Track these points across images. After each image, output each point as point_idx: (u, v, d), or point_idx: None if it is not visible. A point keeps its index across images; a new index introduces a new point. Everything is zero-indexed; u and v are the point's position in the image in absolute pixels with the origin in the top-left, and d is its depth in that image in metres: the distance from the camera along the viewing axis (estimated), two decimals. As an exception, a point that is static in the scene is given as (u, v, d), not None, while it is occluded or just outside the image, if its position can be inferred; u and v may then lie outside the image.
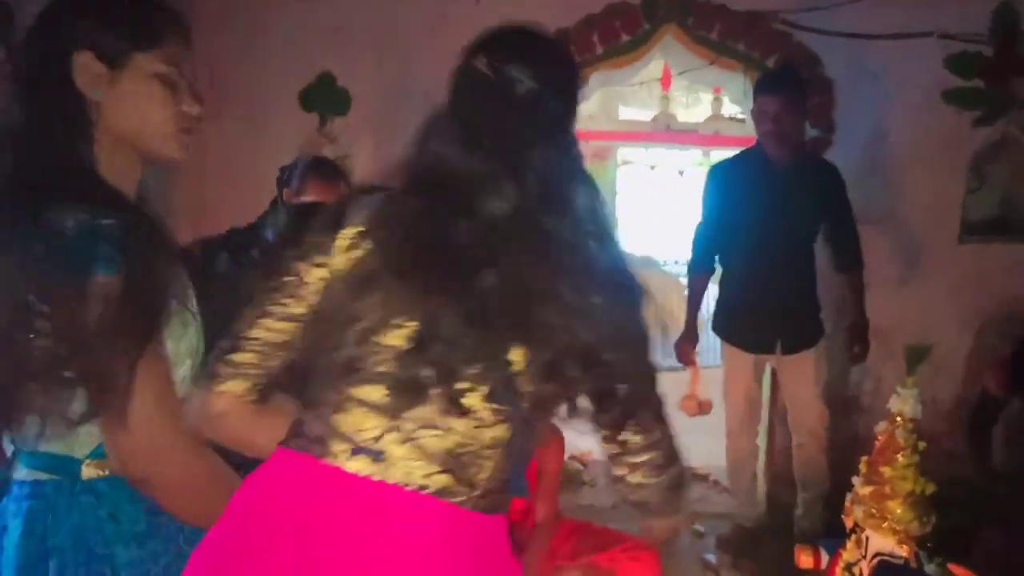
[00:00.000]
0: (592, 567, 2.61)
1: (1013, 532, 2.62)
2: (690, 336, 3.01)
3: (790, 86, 2.73)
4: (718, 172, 3.00)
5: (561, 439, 2.70)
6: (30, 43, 1.02)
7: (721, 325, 3.04)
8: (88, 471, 1.00)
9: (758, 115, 2.75)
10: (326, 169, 2.38)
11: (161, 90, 1.05)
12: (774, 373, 3.15)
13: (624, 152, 8.12)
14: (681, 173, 8.40)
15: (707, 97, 6.67)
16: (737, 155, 3.04)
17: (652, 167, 8.17)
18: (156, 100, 1.04)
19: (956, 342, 3.23)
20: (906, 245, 3.26)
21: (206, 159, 3.45)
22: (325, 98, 3.43)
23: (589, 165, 3.99)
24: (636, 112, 7.62)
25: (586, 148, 4.00)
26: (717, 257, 2.99)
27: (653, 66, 4.06)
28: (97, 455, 1.00)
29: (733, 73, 3.27)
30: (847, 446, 2.91)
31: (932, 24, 3.05)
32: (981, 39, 3.06)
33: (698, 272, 3.03)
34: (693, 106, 7.17)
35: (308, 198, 2.26)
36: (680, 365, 3.10)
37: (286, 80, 3.39)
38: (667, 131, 6.31)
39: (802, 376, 2.90)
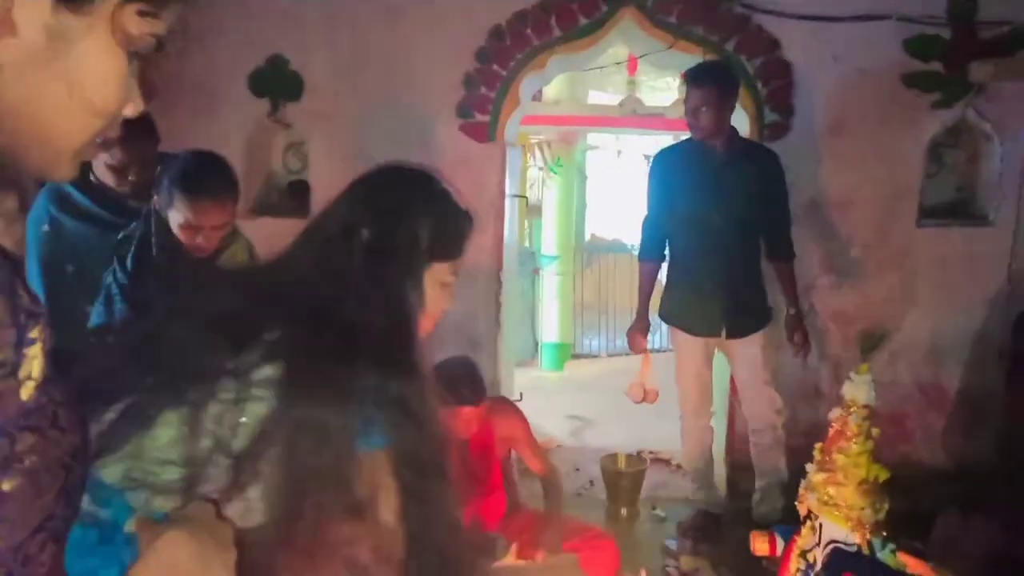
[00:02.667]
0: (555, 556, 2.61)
1: (971, 517, 2.64)
2: (641, 324, 3.03)
3: (713, 80, 2.74)
4: (661, 160, 3.01)
5: (517, 408, 2.70)
6: None
7: (667, 310, 3.04)
8: None
9: (689, 110, 2.77)
10: (209, 178, 1.85)
11: None
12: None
13: (592, 137, 8.09)
14: (647, 158, 8.40)
15: (674, 82, 6.64)
16: (679, 143, 3.08)
17: (619, 152, 8.14)
18: None
19: (916, 326, 3.24)
20: (865, 229, 3.26)
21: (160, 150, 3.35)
22: (277, 82, 3.33)
23: (557, 150, 3.97)
24: (606, 97, 7.59)
25: (553, 133, 3.99)
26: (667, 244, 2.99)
27: (619, 50, 4.01)
28: None
29: (694, 57, 3.23)
30: (808, 433, 2.92)
31: (891, 7, 3.04)
32: (940, 21, 3.05)
33: (647, 259, 3.03)
34: (661, 91, 7.15)
35: (182, 219, 1.80)
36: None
37: (236, 65, 3.29)
38: (634, 116, 6.27)
39: (749, 361, 2.91)
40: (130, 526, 0.81)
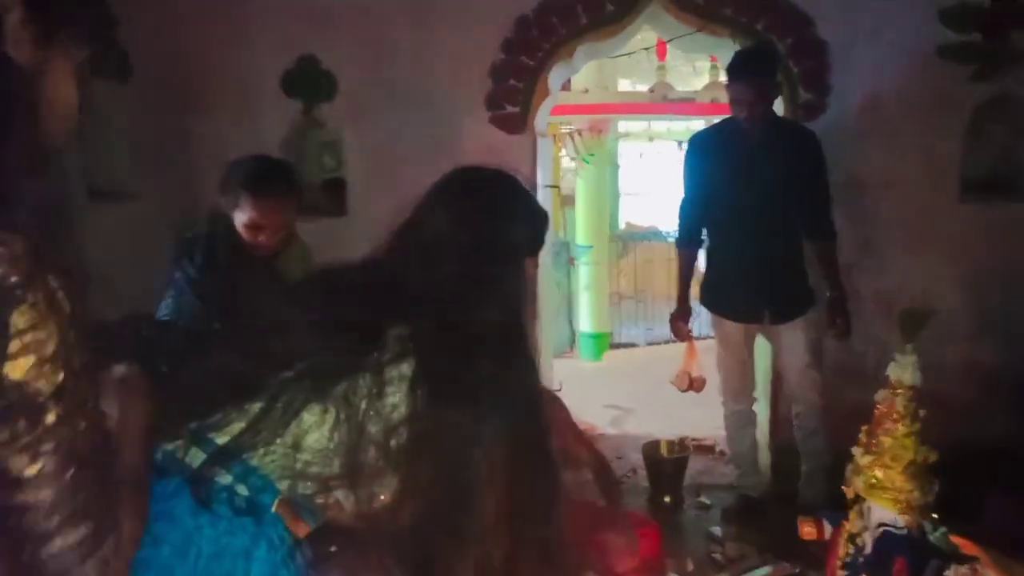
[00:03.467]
0: (594, 545, 2.62)
1: (1020, 497, 2.59)
2: (682, 311, 3.01)
3: (758, 70, 2.69)
4: (696, 144, 2.97)
5: (558, 399, 2.68)
6: None
7: (708, 297, 3.02)
8: None
9: (730, 100, 2.73)
10: (274, 180, 2.02)
11: None
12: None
13: (623, 125, 8.03)
14: (680, 144, 8.31)
15: (704, 65, 6.57)
16: (714, 125, 3.03)
17: (651, 139, 8.08)
18: None
19: (959, 304, 3.17)
20: (906, 208, 3.19)
21: (195, 152, 3.43)
22: (309, 83, 3.38)
23: (587, 139, 3.97)
24: (634, 84, 7.54)
25: (583, 122, 3.98)
26: (704, 230, 2.96)
27: (647, 36, 3.98)
28: None
29: (723, 40, 3.19)
30: (852, 416, 2.88)
31: (926, -23, 2.97)
32: (977, -10, 2.97)
33: (686, 246, 3.01)
34: (691, 75, 7.07)
35: (247, 218, 1.96)
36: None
37: (270, 67, 3.35)
38: (665, 101, 6.22)
39: (793, 345, 2.88)
40: (276, 507, 0.92)
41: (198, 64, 3.35)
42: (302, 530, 1.00)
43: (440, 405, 0.95)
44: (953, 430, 2.82)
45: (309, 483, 0.94)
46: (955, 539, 1.95)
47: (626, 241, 7.51)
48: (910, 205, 3.18)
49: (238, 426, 0.92)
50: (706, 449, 3.84)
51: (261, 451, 0.92)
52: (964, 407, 3.06)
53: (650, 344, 6.48)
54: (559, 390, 3.88)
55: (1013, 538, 2.50)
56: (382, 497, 0.94)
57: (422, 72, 3.32)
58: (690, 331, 3.06)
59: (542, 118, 3.47)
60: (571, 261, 6.57)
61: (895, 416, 2.05)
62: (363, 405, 0.92)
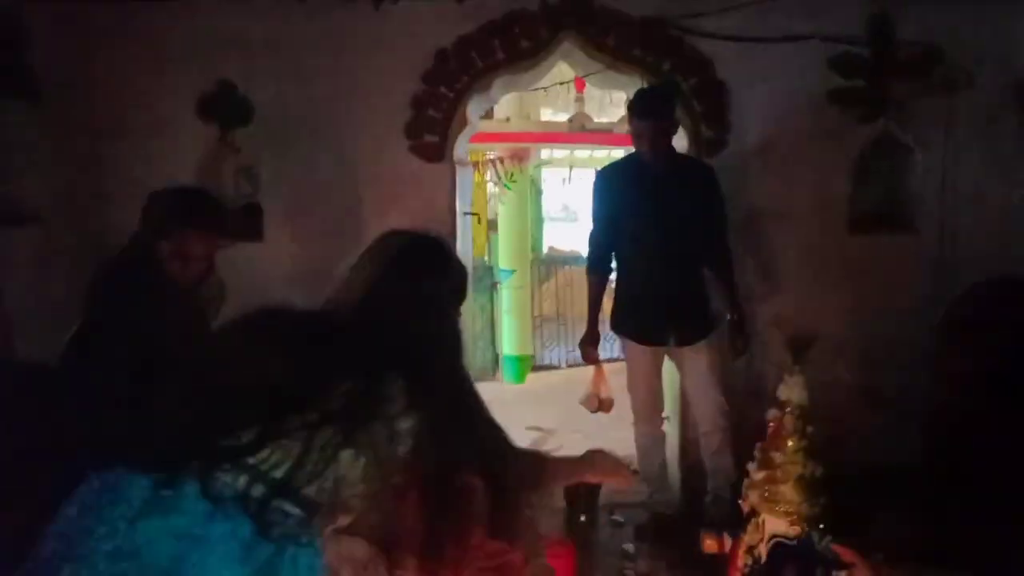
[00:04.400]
0: (508, 568, 2.67)
1: (909, 514, 2.78)
2: (592, 336, 3.14)
3: (658, 110, 2.88)
4: (602, 177, 3.14)
5: None
6: None
7: (617, 321, 3.15)
8: None
9: (632, 135, 2.92)
10: (205, 211, 2.08)
11: None
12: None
13: (545, 152, 8.22)
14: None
15: (621, 97, 6.79)
16: (619, 160, 3.23)
17: (571, 167, 8.30)
18: None
19: (850, 329, 3.40)
20: (800, 239, 3.41)
21: (104, 174, 3.35)
22: (226, 107, 3.36)
23: (509, 166, 4.08)
24: (555, 113, 7.73)
25: (505, 149, 4.06)
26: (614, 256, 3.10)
27: (566, 68, 4.12)
28: None
29: (632, 78, 3.36)
30: (755, 435, 3.03)
31: (814, 28, 3.20)
32: (861, 41, 3.22)
33: (594, 272, 3.14)
34: (609, 106, 7.31)
35: (177, 248, 2.00)
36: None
37: (185, 91, 3.31)
38: (583, 131, 6.42)
39: (697, 367, 3.03)
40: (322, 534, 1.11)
41: (111, 86, 3.29)
42: None
43: (436, 446, 1.17)
44: (844, 447, 3.02)
45: (332, 508, 1.11)
46: (836, 547, 2.09)
47: (548, 265, 7.65)
48: (804, 236, 3.40)
49: (285, 463, 1.05)
50: (621, 469, 3.95)
51: (309, 485, 1.07)
52: (855, 425, 3.27)
53: (571, 366, 6.61)
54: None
55: (897, 548, 2.69)
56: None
57: (341, 100, 3.36)
58: (597, 354, 3.18)
59: (461, 147, 3.55)
60: (494, 285, 6.66)
61: (785, 433, 2.20)
62: (381, 449, 1.10)
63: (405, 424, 1.13)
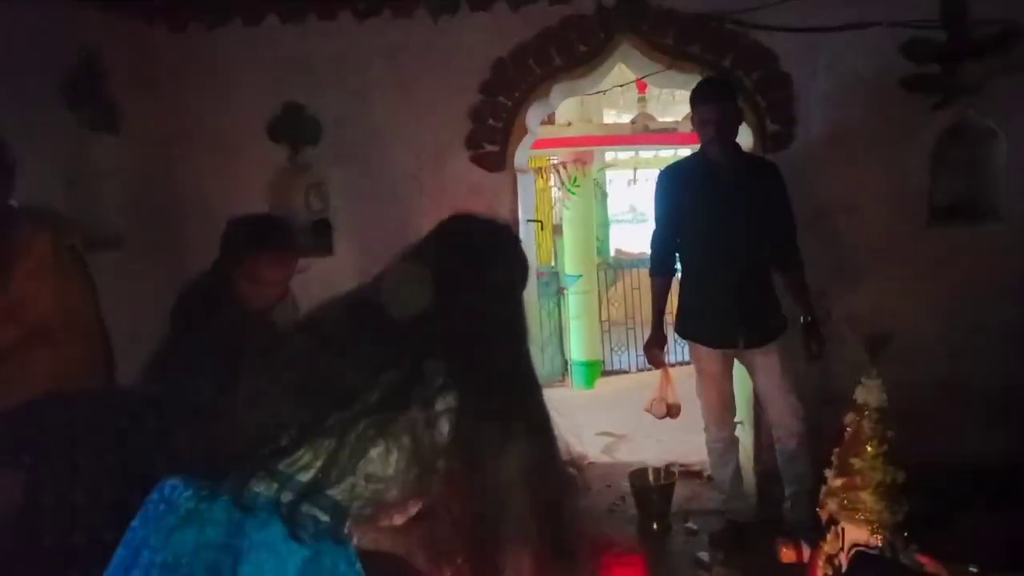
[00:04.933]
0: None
1: (995, 514, 2.63)
2: (657, 338, 3.09)
3: (721, 92, 2.83)
4: (665, 177, 3.08)
5: None
6: None
7: (682, 325, 3.09)
8: None
9: (698, 123, 2.85)
10: (281, 238, 2.18)
11: None
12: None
13: (610, 154, 8.18)
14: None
15: (684, 95, 6.69)
16: (682, 160, 3.16)
17: (635, 168, 8.23)
18: None
19: (931, 325, 3.24)
20: (873, 234, 3.28)
21: (180, 199, 3.52)
22: (294, 127, 3.48)
23: (573, 170, 4.12)
24: (619, 114, 7.69)
25: (568, 154, 4.06)
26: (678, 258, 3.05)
27: (626, 70, 4.09)
28: None
29: (693, 76, 3.30)
30: (832, 438, 2.93)
31: (882, 13, 3.08)
32: (933, 24, 3.08)
33: (659, 275, 3.09)
34: (673, 105, 7.21)
35: (256, 275, 2.08)
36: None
37: (254, 114, 3.45)
38: (646, 132, 6.35)
39: (768, 370, 2.94)
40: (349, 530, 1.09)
41: (185, 114, 3.46)
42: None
43: (480, 429, 1.11)
44: (929, 448, 2.89)
45: (370, 507, 1.10)
46: (921, 558, 2.00)
47: (616, 269, 7.59)
48: (878, 231, 3.27)
49: (316, 463, 1.06)
50: (694, 475, 3.87)
51: (338, 485, 1.07)
52: (939, 425, 3.12)
53: (641, 370, 6.53)
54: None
55: (987, 553, 2.55)
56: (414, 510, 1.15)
57: (403, 114, 3.43)
58: (663, 358, 3.13)
59: (521, 155, 3.57)
60: (561, 291, 6.65)
61: (863, 438, 2.12)
62: (419, 437, 1.08)
63: (443, 405, 1.09)
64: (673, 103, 6.91)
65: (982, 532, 2.64)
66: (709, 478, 3.65)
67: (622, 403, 5.56)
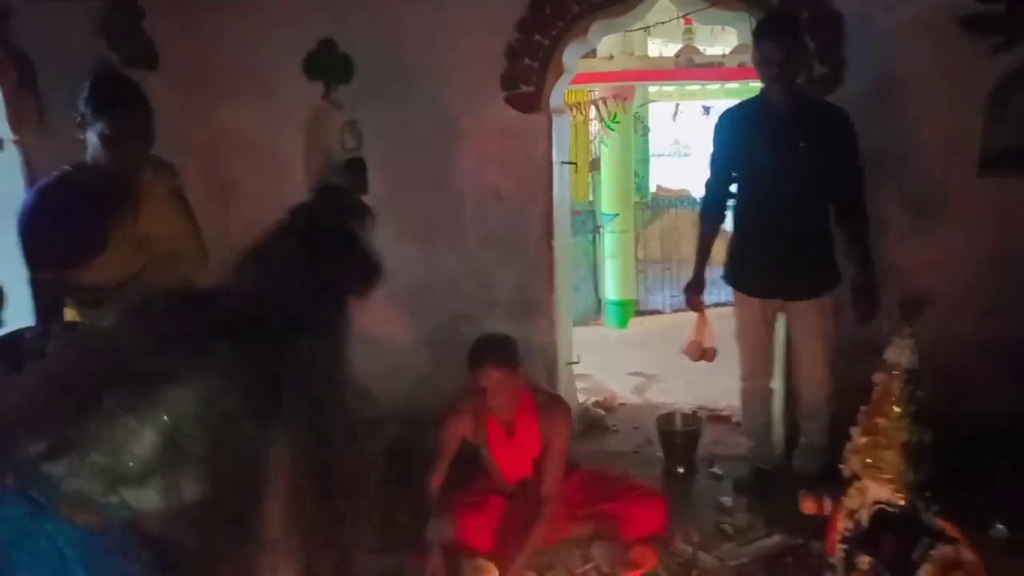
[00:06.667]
0: (601, 516, 2.73)
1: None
2: (697, 283, 3.05)
3: (787, 28, 2.68)
4: (725, 119, 2.96)
5: (567, 413, 2.78)
6: None
7: (730, 272, 3.03)
8: None
9: (759, 60, 2.70)
10: (118, 93, 2.13)
11: None
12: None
13: (651, 89, 7.92)
14: (707, 110, 8.15)
15: (733, 29, 6.42)
16: (744, 102, 3.00)
17: (677, 104, 7.98)
18: None
19: (977, 279, 3.15)
20: (923, 183, 3.15)
21: (218, 137, 3.54)
22: (328, 65, 3.45)
23: (613, 105, 4.03)
24: (665, 43, 7.39)
25: (607, 89, 3.96)
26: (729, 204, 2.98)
27: (670, 5, 3.91)
28: None
29: (739, 14, 3.16)
30: (862, 391, 2.91)
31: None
32: (1001, -42, 2.88)
33: (708, 219, 3.04)
34: (721, 34, 6.92)
35: (99, 132, 2.07)
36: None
37: (288, 52, 3.42)
38: (691, 67, 6.13)
39: (807, 324, 2.89)
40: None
41: (222, 51, 3.44)
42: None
43: (251, 419, 1.12)
44: (961, 405, 2.85)
45: (98, 484, 1.10)
46: (941, 521, 2.01)
47: (655, 208, 7.48)
48: (927, 179, 3.14)
49: (82, 446, 1.08)
50: (722, 419, 3.90)
51: (81, 457, 1.09)
52: (978, 381, 3.07)
53: (675, 311, 6.51)
54: (576, 362, 4.00)
55: (1015, 512, 2.54)
56: (184, 498, 1.13)
57: (437, 53, 3.36)
58: (702, 302, 3.10)
59: (557, 96, 3.49)
60: (596, 229, 6.60)
61: (892, 398, 2.10)
62: (182, 416, 1.10)
63: (214, 386, 1.10)
64: (722, 33, 6.63)
65: (1010, 492, 2.63)
66: (737, 423, 3.68)
67: (655, 343, 5.58)
